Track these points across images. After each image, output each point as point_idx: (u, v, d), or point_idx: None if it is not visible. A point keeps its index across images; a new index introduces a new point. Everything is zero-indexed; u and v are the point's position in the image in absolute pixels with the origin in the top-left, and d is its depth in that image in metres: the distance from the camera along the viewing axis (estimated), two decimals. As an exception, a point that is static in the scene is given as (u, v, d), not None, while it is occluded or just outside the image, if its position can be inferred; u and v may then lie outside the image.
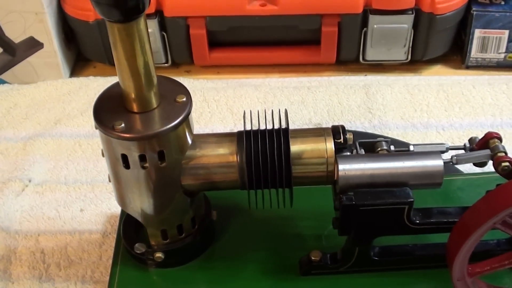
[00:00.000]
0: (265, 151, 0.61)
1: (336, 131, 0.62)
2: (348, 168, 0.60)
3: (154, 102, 0.59)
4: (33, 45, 0.86)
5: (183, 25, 1.01)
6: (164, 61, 1.05)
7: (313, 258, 0.66)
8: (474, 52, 1.03)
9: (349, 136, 0.63)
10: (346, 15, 0.99)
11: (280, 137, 0.61)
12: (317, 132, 0.63)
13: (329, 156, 0.62)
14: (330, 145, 0.62)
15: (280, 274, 0.67)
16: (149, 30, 0.56)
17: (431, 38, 1.01)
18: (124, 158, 0.59)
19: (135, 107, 0.58)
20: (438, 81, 1.01)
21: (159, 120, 0.58)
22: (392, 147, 0.64)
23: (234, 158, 0.61)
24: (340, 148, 0.62)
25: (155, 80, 0.58)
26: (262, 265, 0.68)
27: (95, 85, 1.02)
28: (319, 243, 0.69)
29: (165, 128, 0.58)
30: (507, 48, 1.02)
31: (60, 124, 0.95)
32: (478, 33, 1.01)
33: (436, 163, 0.61)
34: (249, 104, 0.96)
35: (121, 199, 0.64)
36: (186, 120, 0.59)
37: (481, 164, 0.64)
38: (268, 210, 0.64)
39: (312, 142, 0.63)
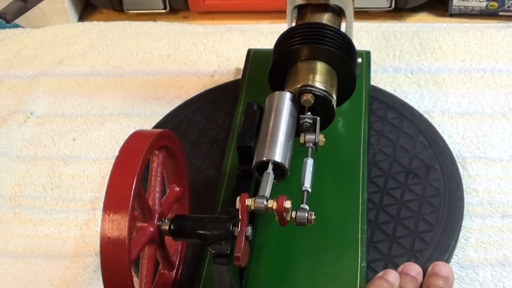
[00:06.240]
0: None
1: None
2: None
3: None
4: (43, -9, 0.95)
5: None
6: (162, 7, 1.13)
7: None
8: (457, 0, 1.07)
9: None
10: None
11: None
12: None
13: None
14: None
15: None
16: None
17: (413, -14, 1.05)
18: None
19: None
20: (417, 28, 1.05)
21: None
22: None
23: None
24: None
25: None
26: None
27: (98, 29, 1.10)
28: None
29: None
30: (488, -4, 1.06)
31: (63, 64, 1.04)
32: (460, -19, 1.05)
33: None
34: (234, 47, 1.03)
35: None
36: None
37: None
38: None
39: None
